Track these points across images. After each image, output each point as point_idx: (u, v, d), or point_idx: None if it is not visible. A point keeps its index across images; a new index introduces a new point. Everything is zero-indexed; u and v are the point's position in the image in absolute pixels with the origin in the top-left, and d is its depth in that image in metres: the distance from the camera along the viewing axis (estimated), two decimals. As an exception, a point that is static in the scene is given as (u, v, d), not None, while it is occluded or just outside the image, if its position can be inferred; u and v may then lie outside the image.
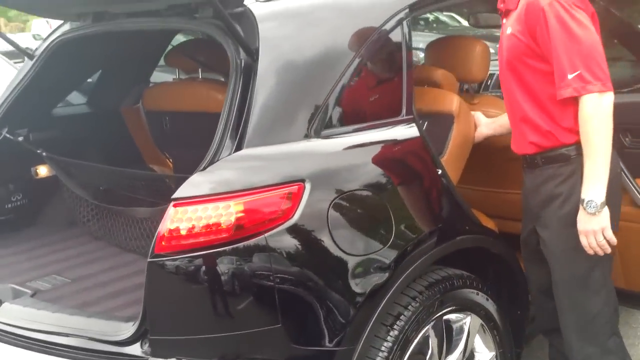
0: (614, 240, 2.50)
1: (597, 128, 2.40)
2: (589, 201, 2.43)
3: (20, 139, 3.48)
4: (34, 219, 3.67)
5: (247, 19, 2.58)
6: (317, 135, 2.47)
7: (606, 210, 2.46)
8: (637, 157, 3.22)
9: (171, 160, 3.98)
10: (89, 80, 4.07)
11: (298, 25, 2.65)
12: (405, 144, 2.68)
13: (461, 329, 2.79)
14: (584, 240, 2.51)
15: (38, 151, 3.44)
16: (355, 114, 2.64)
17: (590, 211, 2.44)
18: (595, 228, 2.47)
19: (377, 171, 2.54)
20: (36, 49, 3.44)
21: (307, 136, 2.45)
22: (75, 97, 4.10)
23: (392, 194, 2.54)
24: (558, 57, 2.43)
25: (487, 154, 3.78)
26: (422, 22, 14.49)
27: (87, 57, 3.65)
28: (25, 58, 3.43)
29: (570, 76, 2.41)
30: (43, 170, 3.66)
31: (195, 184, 2.26)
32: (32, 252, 3.32)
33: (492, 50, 3.61)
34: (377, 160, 2.55)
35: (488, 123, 3.22)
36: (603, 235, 2.48)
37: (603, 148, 2.41)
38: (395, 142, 2.65)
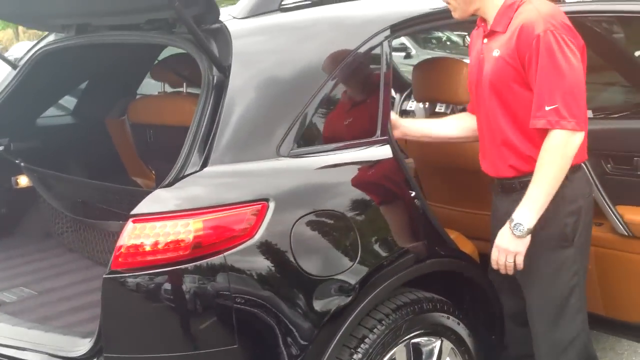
0: (520, 266, 2.54)
1: (556, 162, 2.42)
2: (517, 223, 2.46)
3: (1, 148, 3.47)
4: (13, 228, 3.66)
5: (222, 35, 2.57)
6: (287, 154, 2.45)
7: (528, 238, 2.49)
8: (618, 184, 3.19)
9: (154, 173, 3.98)
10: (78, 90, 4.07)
11: (273, 43, 2.63)
12: (377, 165, 2.65)
13: (431, 353, 2.76)
14: (494, 254, 2.57)
15: (16, 161, 3.44)
16: (328, 133, 2.62)
17: (516, 233, 2.47)
18: (511, 249, 2.51)
19: (346, 192, 2.52)
20: (20, 58, 3.44)
21: (276, 155, 2.43)
22: (66, 108, 4.10)
23: (360, 215, 2.51)
24: (539, 86, 2.42)
25: (472, 176, 3.76)
26: (434, 41, 14.54)
27: (71, 68, 3.65)
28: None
29: (547, 108, 2.40)
30: (24, 180, 3.66)
31: (157, 200, 2.25)
32: (6, 263, 3.31)
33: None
34: (347, 181, 2.53)
35: (403, 126, 2.98)
36: (514, 258, 2.53)
37: (552, 182, 2.44)
38: (366, 163, 2.63)
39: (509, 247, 2.51)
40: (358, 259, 2.44)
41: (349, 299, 2.40)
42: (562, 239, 2.59)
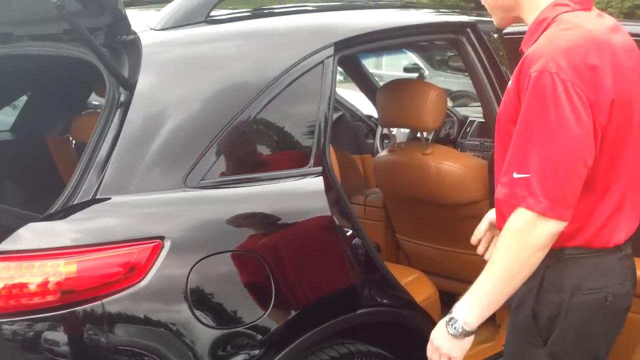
0: None
1: (512, 251, 1.78)
2: (453, 318, 1.84)
3: None
4: None
5: (135, 48, 2.28)
6: (196, 184, 2.14)
7: (468, 342, 1.86)
8: None
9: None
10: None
11: (190, 59, 2.34)
12: (304, 199, 2.34)
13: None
14: (429, 348, 1.93)
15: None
16: (249, 162, 2.33)
17: (450, 330, 1.84)
18: (443, 349, 1.86)
19: (263, 230, 2.21)
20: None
21: (182, 185, 2.12)
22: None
23: (277, 258, 2.19)
24: (514, 143, 1.81)
25: (439, 210, 3.43)
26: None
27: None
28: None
29: (516, 175, 1.78)
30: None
31: (29, 234, 1.94)
32: None
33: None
34: (264, 217, 2.22)
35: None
36: None
37: (505, 275, 1.79)
38: (291, 197, 2.31)
39: (440, 346, 1.87)
40: (270, 308, 2.12)
41: (257, 353, 2.08)
42: (528, 332, 1.97)
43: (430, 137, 4.28)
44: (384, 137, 4.72)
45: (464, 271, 3.51)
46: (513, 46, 2.73)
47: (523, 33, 2.00)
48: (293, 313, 2.18)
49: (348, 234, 2.40)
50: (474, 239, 2.27)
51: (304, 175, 2.35)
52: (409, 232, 3.71)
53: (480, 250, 2.26)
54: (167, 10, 2.40)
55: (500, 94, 3.00)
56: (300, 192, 2.33)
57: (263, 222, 2.21)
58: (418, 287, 3.14)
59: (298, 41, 2.49)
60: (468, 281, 3.51)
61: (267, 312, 2.11)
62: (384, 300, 2.49)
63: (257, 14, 2.69)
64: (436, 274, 3.74)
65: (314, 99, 2.44)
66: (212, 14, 2.41)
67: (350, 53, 2.69)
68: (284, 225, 2.25)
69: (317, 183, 2.35)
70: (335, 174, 2.45)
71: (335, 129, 5.21)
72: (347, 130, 5.05)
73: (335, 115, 5.16)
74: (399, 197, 3.66)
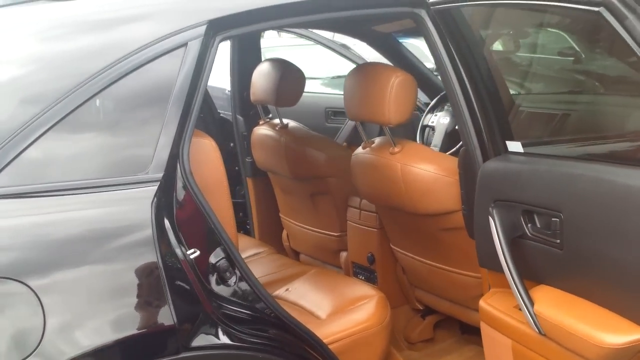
0: None
1: None
2: None
3: None
4: None
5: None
6: None
7: None
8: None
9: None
10: None
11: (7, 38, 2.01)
12: (118, 213, 1.91)
13: None
14: None
15: None
16: (55, 166, 1.91)
17: None
18: None
19: (46, 254, 1.79)
20: None
21: None
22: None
23: (58, 290, 1.77)
24: None
25: (415, 218, 2.88)
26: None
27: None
28: None
29: None
30: None
31: None
32: None
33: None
34: (53, 237, 1.80)
35: None
36: None
37: None
38: (101, 210, 1.89)
39: None
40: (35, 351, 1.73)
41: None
42: None
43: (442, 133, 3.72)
44: (424, 128, 4.12)
45: (453, 291, 2.96)
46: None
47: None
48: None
49: (181, 254, 1.94)
50: None
51: (135, 185, 1.93)
52: (399, 242, 3.18)
53: None
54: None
55: (468, 89, 2.41)
56: (114, 205, 1.90)
57: (49, 244, 1.79)
58: (363, 312, 2.65)
59: (152, 19, 2.08)
60: (458, 303, 2.97)
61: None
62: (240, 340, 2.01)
63: None
64: (430, 292, 3.19)
65: (163, 91, 2.02)
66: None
67: (241, 33, 2.22)
68: (75, 248, 1.81)
69: (144, 194, 1.92)
70: (193, 184, 2.01)
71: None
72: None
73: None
74: (378, 205, 3.13)
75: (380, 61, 4.12)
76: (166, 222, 1.93)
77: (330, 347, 2.45)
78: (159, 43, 2.03)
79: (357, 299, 2.77)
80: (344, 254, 3.53)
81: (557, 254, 2.08)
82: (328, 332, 2.55)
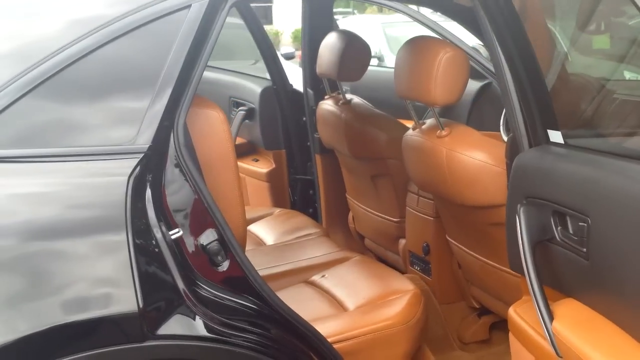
0: None
1: None
2: None
3: None
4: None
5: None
6: None
7: None
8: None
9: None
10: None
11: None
12: (87, 187, 1.77)
13: None
14: None
15: None
16: (48, 133, 1.81)
17: None
18: None
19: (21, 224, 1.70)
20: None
21: None
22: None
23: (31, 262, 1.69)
24: None
25: (465, 210, 2.62)
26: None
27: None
28: None
29: None
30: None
31: None
32: None
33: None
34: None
35: None
36: None
37: None
38: (72, 181, 1.78)
39: None
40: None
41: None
42: None
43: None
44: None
45: (505, 292, 2.70)
46: None
47: None
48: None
49: (159, 235, 1.80)
50: None
51: (118, 155, 1.81)
52: (453, 234, 2.92)
53: None
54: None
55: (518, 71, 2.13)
56: (93, 176, 1.79)
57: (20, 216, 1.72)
58: (391, 308, 2.44)
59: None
60: (507, 303, 2.73)
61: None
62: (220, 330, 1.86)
63: None
64: (485, 291, 2.93)
65: (158, 57, 1.89)
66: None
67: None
68: (53, 221, 1.73)
69: (122, 169, 1.79)
70: (187, 158, 1.87)
71: (478, 102, 4.38)
72: (492, 103, 4.18)
73: (480, 84, 4.33)
74: (430, 195, 2.89)
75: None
76: (147, 197, 1.79)
77: (343, 343, 2.28)
78: (159, 4, 1.90)
79: (390, 292, 2.56)
80: (402, 241, 3.30)
81: (584, 265, 1.79)
82: (346, 327, 2.36)
